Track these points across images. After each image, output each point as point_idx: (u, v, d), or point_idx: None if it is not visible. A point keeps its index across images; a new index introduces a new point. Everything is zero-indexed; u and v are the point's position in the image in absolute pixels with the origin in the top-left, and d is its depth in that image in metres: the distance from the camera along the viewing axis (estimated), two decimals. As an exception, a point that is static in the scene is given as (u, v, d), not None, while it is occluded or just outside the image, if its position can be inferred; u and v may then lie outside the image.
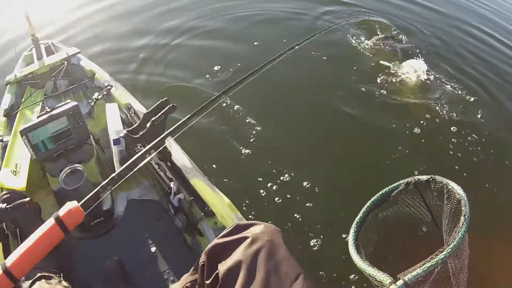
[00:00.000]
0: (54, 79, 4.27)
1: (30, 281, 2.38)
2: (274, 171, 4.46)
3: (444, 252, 2.67)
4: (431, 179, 3.27)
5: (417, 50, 6.75)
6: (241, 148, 4.68)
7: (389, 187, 3.43)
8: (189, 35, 6.91)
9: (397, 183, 3.42)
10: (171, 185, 3.14)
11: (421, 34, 7.40)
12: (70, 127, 3.10)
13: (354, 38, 6.94)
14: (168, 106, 2.98)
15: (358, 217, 3.34)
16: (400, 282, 2.60)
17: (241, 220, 2.82)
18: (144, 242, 3.14)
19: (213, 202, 3.00)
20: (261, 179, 4.35)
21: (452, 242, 2.75)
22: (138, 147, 3.32)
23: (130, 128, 2.96)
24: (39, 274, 2.44)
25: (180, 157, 3.36)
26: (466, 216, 2.84)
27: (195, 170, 3.25)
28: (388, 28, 7.41)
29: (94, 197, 2.05)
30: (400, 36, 7.19)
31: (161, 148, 2.46)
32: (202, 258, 2.04)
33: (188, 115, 2.43)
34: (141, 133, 2.96)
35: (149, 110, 3.01)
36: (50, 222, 1.89)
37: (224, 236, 2.00)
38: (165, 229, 3.24)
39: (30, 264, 1.83)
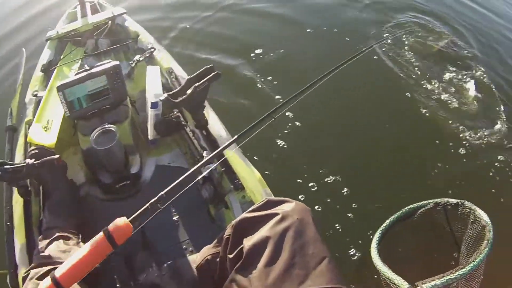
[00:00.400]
0: (96, 38, 4.22)
1: (48, 240, 2.35)
2: (316, 170, 4.41)
3: (464, 269, 2.89)
4: (460, 203, 3.49)
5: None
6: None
7: (418, 203, 3.63)
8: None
9: (427, 201, 3.62)
10: (204, 154, 3.06)
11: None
12: (109, 87, 3.03)
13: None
14: (213, 73, 2.90)
15: (384, 225, 3.54)
16: (418, 289, 2.76)
17: (270, 196, 2.74)
18: (168, 210, 3.08)
19: (244, 176, 2.93)
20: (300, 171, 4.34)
21: (473, 262, 2.96)
22: (175, 112, 3.26)
23: (171, 92, 2.90)
24: (57, 234, 2.41)
25: (216, 126, 3.28)
26: (490, 241, 3.07)
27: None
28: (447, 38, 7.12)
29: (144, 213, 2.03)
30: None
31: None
32: (228, 231, 1.96)
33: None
34: (180, 98, 2.89)
35: (192, 75, 2.95)
36: (99, 235, 1.85)
37: (253, 210, 1.92)
38: (190, 198, 3.16)
39: (78, 277, 1.78)
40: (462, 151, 4.82)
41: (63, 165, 2.82)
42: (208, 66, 2.96)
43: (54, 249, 2.28)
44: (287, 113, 4.73)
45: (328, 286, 1.57)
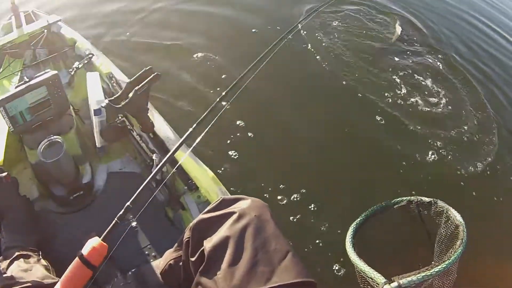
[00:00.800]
0: (33, 48, 4.13)
1: (9, 261, 2.32)
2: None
3: (439, 267, 3.02)
4: (433, 201, 3.72)
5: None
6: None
7: (392, 200, 3.88)
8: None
9: (400, 198, 3.88)
10: (153, 157, 3.05)
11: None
12: (50, 97, 2.97)
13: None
14: (152, 75, 2.88)
15: (358, 219, 3.70)
16: (394, 284, 2.88)
17: (225, 194, 2.77)
18: (125, 216, 3.08)
19: (197, 175, 2.93)
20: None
21: (448, 259, 3.11)
22: (119, 118, 3.23)
23: (112, 98, 2.86)
24: (17, 253, 2.37)
25: (163, 128, 3.27)
26: (464, 240, 3.29)
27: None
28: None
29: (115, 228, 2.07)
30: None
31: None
32: (187, 234, 1.97)
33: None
34: (123, 103, 2.86)
35: (132, 79, 2.92)
36: (75, 262, 1.85)
37: (209, 211, 1.93)
38: (146, 202, 3.16)
39: None
40: (430, 153, 5.02)
41: (13, 181, 2.78)
42: (147, 68, 2.93)
43: (15, 269, 2.25)
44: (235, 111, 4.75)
45: (296, 281, 1.59)
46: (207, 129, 2.38)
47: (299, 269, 1.64)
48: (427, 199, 3.77)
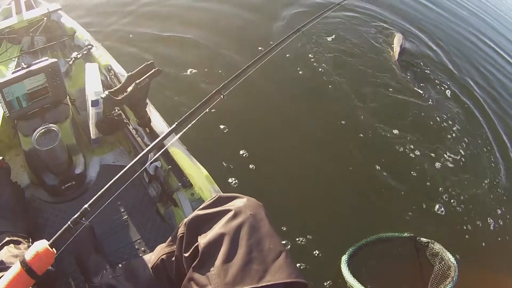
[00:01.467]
0: (32, 35, 4.10)
1: None
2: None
3: None
4: (431, 242, 3.97)
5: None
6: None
7: (391, 234, 4.05)
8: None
9: (399, 234, 4.07)
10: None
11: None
12: (48, 85, 2.95)
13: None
14: (153, 70, 2.87)
15: (355, 245, 3.86)
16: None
17: (219, 193, 2.76)
18: (116, 209, 3.09)
19: (191, 173, 2.92)
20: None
21: None
22: (116, 110, 3.22)
23: (112, 90, 2.85)
24: (7, 238, 2.36)
25: (159, 124, 3.25)
26: (454, 279, 3.58)
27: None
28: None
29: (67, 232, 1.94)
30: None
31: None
32: (181, 229, 1.97)
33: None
34: (121, 96, 2.85)
35: (133, 72, 2.90)
36: (16, 268, 1.76)
37: (205, 207, 1.93)
38: (138, 197, 3.18)
39: None
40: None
41: (6, 168, 2.77)
42: (148, 63, 2.92)
43: (5, 254, 2.23)
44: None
45: (288, 281, 1.60)
46: (197, 118, 2.37)
47: (292, 269, 1.65)
48: (425, 240, 3.98)
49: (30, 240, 2.49)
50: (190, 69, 5.46)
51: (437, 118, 5.95)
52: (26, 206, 2.86)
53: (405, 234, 4.01)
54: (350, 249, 3.72)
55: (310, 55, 6.29)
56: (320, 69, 6.11)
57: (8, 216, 2.59)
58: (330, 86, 5.87)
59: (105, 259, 2.50)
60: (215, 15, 6.76)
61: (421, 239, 3.99)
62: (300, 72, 5.93)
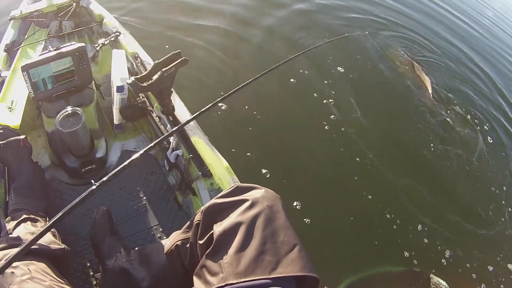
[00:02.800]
0: (60, 20, 4.15)
1: (16, 222, 2.32)
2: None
3: None
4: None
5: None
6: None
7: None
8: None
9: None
10: (171, 140, 3.06)
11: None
12: (74, 69, 2.98)
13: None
14: (180, 59, 2.89)
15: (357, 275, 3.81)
16: None
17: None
18: (135, 195, 3.10)
19: (211, 163, 2.92)
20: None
21: None
22: (141, 97, 3.24)
23: (138, 76, 2.87)
24: (25, 216, 2.38)
25: (183, 113, 3.26)
26: None
27: (197, 128, 3.17)
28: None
29: None
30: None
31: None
32: (198, 216, 1.97)
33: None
34: (146, 83, 2.87)
35: (159, 60, 2.91)
36: None
37: (223, 196, 1.92)
38: (157, 184, 3.19)
39: None
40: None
41: (28, 147, 2.79)
42: (175, 52, 2.93)
43: (22, 231, 2.25)
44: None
45: (299, 274, 1.59)
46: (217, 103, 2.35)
47: (304, 263, 1.62)
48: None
49: (47, 219, 2.52)
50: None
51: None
52: (45, 186, 2.89)
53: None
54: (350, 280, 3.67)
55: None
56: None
57: (27, 194, 2.60)
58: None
59: (120, 242, 2.52)
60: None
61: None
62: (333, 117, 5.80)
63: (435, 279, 3.72)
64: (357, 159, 4.96)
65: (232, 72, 5.42)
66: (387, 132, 5.58)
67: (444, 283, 3.71)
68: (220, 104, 4.46)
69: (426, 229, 4.54)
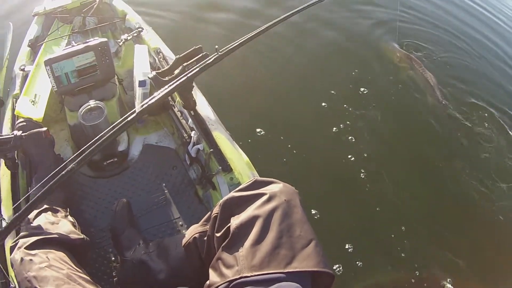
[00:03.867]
0: (84, 16, 4.19)
1: (36, 212, 2.35)
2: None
3: None
4: None
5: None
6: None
7: None
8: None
9: None
10: (192, 134, 3.07)
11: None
12: (97, 63, 3.03)
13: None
14: (201, 54, 2.90)
15: None
16: None
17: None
18: (155, 188, 3.12)
19: (232, 158, 2.93)
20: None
21: None
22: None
23: (160, 71, 2.89)
24: (45, 206, 2.41)
25: (204, 108, 3.27)
26: None
27: (218, 123, 3.18)
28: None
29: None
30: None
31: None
32: (216, 209, 1.98)
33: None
34: (168, 77, 2.89)
35: (181, 55, 2.93)
36: None
37: (241, 190, 1.94)
38: (178, 178, 3.20)
39: None
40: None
41: (50, 139, 2.83)
42: (196, 47, 2.95)
43: (42, 220, 2.29)
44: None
45: (315, 270, 1.59)
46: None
47: (320, 259, 1.62)
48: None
49: (68, 210, 2.55)
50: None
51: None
52: (67, 178, 2.93)
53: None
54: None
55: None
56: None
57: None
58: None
59: (139, 235, 2.53)
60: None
61: None
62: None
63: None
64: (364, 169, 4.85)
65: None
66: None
67: None
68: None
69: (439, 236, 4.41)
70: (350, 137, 4.70)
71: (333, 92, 5.22)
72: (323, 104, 5.01)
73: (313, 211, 3.80)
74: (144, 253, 2.33)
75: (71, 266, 1.98)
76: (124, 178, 3.13)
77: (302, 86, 5.41)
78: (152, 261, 2.27)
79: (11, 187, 2.77)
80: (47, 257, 1.93)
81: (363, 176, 4.35)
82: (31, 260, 1.89)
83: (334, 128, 4.75)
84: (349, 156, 4.48)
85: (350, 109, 5.03)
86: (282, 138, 4.54)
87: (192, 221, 2.79)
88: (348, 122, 4.85)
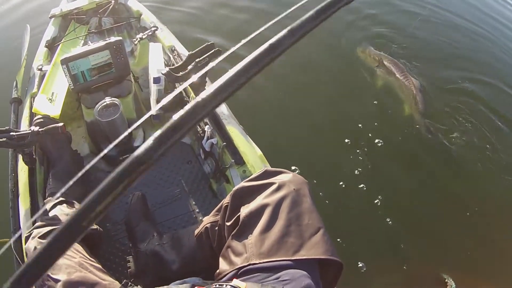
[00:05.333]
0: (100, 16, 4.27)
1: (52, 203, 2.40)
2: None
3: None
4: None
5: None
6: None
7: None
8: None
9: None
10: (206, 129, 3.11)
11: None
12: (112, 61, 3.09)
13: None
14: (213, 50, 2.95)
15: None
16: None
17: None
18: (170, 182, 3.17)
19: (245, 151, 2.97)
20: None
21: None
22: (177, 87, 3.31)
23: (173, 67, 2.94)
24: (61, 199, 2.46)
25: None
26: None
27: (231, 118, 3.22)
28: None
29: None
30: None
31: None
32: (227, 199, 2.03)
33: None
34: (182, 73, 2.93)
35: (194, 51, 2.99)
36: None
37: (251, 180, 1.98)
38: (193, 172, 3.25)
39: None
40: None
41: (67, 135, 2.89)
42: (209, 43, 3.01)
43: (58, 211, 2.35)
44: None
45: (322, 257, 1.63)
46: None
47: (327, 247, 1.66)
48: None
49: None
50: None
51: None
52: (83, 174, 2.98)
53: None
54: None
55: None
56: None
57: (65, 180, 2.67)
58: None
59: (153, 227, 2.58)
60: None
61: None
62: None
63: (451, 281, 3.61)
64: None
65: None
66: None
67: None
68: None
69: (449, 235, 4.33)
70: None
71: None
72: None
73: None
74: (157, 244, 2.37)
75: (83, 255, 2.02)
76: None
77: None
78: (166, 252, 2.31)
79: (29, 182, 2.83)
80: None
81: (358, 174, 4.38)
82: None
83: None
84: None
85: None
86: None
87: (206, 214, 2.82)
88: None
